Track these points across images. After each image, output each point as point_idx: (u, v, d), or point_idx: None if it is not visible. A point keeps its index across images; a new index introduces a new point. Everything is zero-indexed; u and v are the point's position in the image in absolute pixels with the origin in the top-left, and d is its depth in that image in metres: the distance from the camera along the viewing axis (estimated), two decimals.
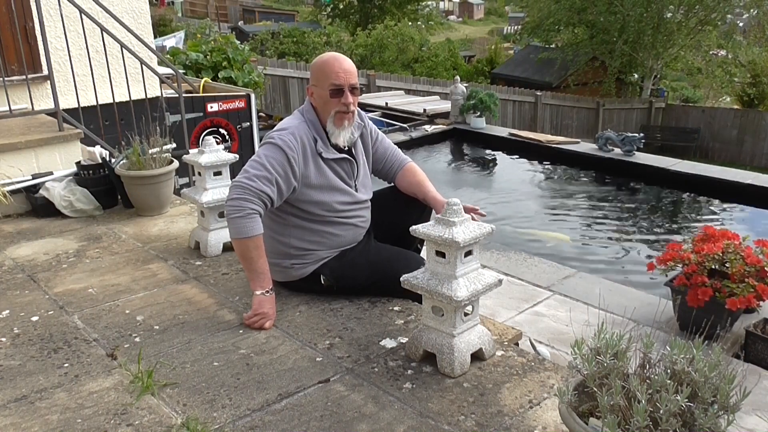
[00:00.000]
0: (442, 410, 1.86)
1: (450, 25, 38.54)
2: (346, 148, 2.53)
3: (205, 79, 7.56)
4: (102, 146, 4.18)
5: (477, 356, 2.10)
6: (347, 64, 2.42)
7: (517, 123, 15.95)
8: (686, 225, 6.44)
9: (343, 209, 2.51)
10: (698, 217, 6.63)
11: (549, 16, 19.97)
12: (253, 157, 2.40)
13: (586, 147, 8.23)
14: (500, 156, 8.85)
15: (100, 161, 3.86)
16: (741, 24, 20.91)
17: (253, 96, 6.77)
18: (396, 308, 2.50)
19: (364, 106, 9.57)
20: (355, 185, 2.56)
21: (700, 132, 17.39)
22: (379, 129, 2.78)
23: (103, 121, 4.64)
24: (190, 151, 4.47)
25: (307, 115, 2.49)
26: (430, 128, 9.23)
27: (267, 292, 2.39)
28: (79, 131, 4.10)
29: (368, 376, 2.04)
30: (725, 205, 6.77)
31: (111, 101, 4.49)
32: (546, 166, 8.38)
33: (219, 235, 3.09)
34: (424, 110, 9.80)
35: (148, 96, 4.85)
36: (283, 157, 2.35)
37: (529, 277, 3.91)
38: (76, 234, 3.47)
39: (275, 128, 2.48)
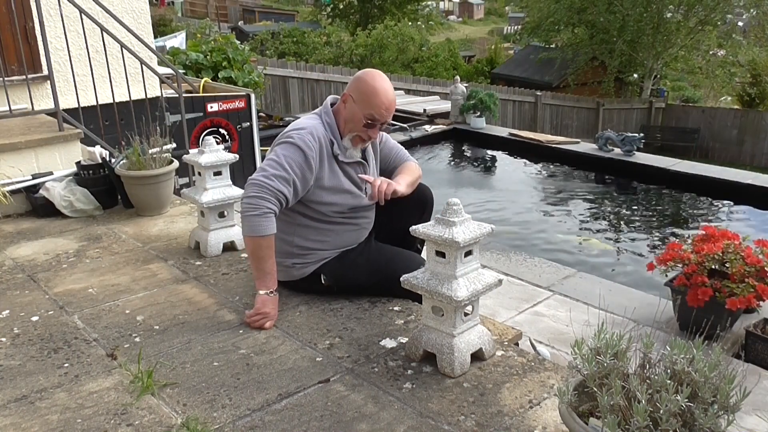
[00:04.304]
0: (442, 410, 1.86)
1: (450, 25, 38.49)
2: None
3: (205, 79, 7.55)
4: (102, 146, 4.18)
5: (477, 356, 2.10)
6: (393, 100, 2.39)
7: (517, 123, 15.93)
8: (686, 225, 6.44)
9: (350, 212, 2.52)
10: (698, 217, 6.63)
11: (549, 16, 19.93)
12: (270, 156, 2.37)
13: (586, 147, 8.24)
14: (500, 156, 8.86)
15: (100, 161, 3.86)
16: (741, 24, 20.88)
17: (253, 96, 6.76)
18: (396, 308, 2.50)
19: None
20: (365, 189, 2.56)
21: (700, 132, 17.36)
22: None
23: (103, 121, 4.64)
24: (190, 151, 4.47)
25: (325, 117, 2.47)
26: (430, 128, 9.24)
27: (271, 292, 2.39)
28: (79, 131, 4.10)
29: (368, 376, 2.04)
30: (725, 205, 6.77)
31: (111, 101, 4.48)
32: (546, 166, 8.38)
33: (219, 235, 3.09)
34: (424, 110, 9.80)
35: (148, 96, 4.84)
36: (301, 157, 2.34)
37: (529, 277, 3.91)
38: (76, 234, 3.47)
39: (292, 127, 2.44)
